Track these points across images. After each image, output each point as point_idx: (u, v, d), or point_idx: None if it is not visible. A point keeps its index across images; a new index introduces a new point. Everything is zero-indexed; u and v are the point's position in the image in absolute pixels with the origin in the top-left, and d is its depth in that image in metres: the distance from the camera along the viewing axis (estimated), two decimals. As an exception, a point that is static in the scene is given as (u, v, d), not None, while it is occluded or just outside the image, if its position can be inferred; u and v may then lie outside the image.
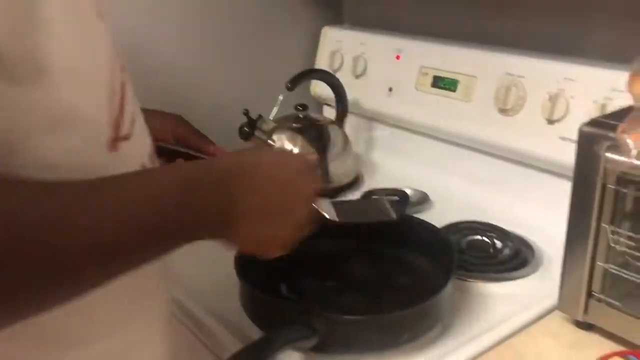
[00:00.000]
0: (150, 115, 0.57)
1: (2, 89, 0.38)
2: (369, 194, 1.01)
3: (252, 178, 0.50)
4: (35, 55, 0.39)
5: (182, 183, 0.45)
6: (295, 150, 1.05)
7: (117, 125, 0.47)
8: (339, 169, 1.07)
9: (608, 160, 0.54)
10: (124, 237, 0.39)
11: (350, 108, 1.15)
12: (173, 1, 1.10)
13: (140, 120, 0.53)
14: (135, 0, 1.05)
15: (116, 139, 0.46)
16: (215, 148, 0.76)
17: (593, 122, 0.60)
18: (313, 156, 0.57)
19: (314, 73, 1.18)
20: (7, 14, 0.37)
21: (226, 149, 0.75)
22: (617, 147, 0.54)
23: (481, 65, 0.98)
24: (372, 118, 1.19)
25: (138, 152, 0.50)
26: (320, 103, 1.29)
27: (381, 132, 1.19)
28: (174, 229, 0.43)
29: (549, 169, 0.89)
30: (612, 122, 0.57)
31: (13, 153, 0.39)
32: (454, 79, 1.02)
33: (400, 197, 0.96)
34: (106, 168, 0.43)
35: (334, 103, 1.15)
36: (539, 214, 0.87)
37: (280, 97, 1.06)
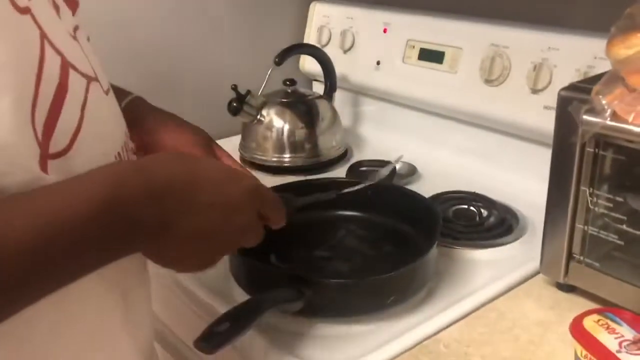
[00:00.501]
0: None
1: None
2: (356, 166, 1.03)
3: (186, 197, 0.45)
4: None
5: (106, 196, 0.40)
6: (286, 125, 1.06)
7: (45, 142, 0.41)
8: (327, 143, 1.08)
9: (585, 122, 0.56)
10: (31, 255, 0.36)
11: (338, 83, 1.15)
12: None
13: (92, 128, 0.46)
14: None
15: (45, 157, 0.41)
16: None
17: (571, 87, 0.61)
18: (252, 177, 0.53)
19: (302, 48, 1.19)
20: None
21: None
22: (594, 110, 0.55)
23: (467, 37, 0.99)
24: (361, 92, 1.20)
25: (84, 166, 0.43)
26: (309, 78, 1.30)
27: (369, 106, 1.20)
28: (92, 245, 0.39)
29: (534, 138, 0.91)
30: (590, 86, 0.58)
31: None
32: (440, 51, 1.02)
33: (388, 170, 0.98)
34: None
35: (322, 78, 1.16)
36: (524, 182, 0.89)
37: (269, 72, 1.07)
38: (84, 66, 0.47)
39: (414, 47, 1.07)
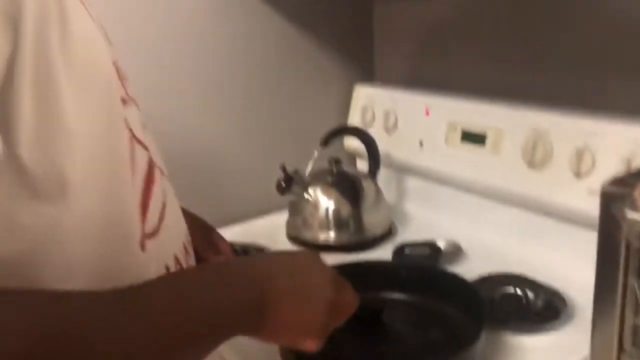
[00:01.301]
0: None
1: (27, 205, 0.38)
2: (401, 247, 1.04)
3: (286, 276, 0.53)
4: (59, 168, 0.40)
5: (257, 295, 0.48)
6: (331, 204, 1.09)
7: (141, 224, 0.47)
8: (372, 221, 1.11)
9: (629, 221, 0.57)
10: (153, 349, 0.40)
11: (382, 161, 1.19)
12: (207, 60, 1.17)
13: (171, 212, 0.54)
14: (168, 58, 1.12)
15: (143, 238, 0.47)
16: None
17: (615, 181, 0.63)
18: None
19: (346, 130, 1.23)
20: (33, 126, 0.38)
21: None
22: (638, 207, 0.56)
23: (508, 120, 1.02)
24: (404, 170, 1.23)
25: (168, 247, 0.52)
26: (353, 156, 1.34)
27: (413, 185, 1.22)
28: (206, 332, 0.44)
29: (579, 221, 0.91)
30: (634, 180, 0.59)
31: (33, 266, 0.40)
32: (482, 134, 1.05)
33: (433, 250, 0.99)
34: (134, 269, 0.46)
35: (366, 156, 1.20)
36: (571, 265, 0.89)
37: (316, 153, 1.11)
38: (158, 161, 0.55)
39: (456, 129, 1.10)
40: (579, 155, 0.90)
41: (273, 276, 0.52)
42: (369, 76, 1.37)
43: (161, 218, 0.51)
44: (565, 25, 1.00)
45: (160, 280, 0.46)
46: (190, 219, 0.68)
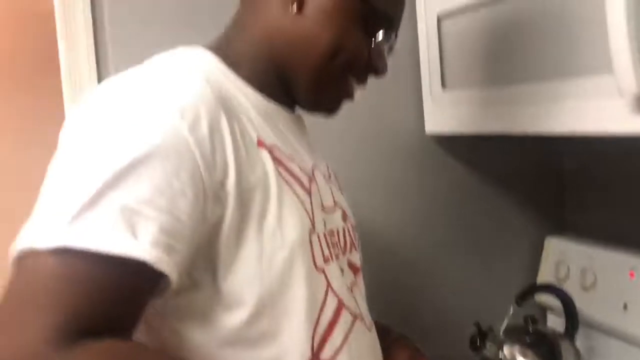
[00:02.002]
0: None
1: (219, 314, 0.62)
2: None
3: None
4: (237, 290, 0.62)
5: None
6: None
7: (318, 349, 0.65)
8: (572, 387, 1.05)
9: None
10: None
11: (579, 319, 1.14)
12: (414, 207, 1.24)
13: (356, 338, 0.70)
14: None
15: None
16: None
17: None
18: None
19: (544, 288, 1.21)
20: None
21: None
22: None
23: None
24: (605, 332, 1.16)
25: None
26: (544, 310, 1.30)
27: (616, 349, 1.15)
28: None
29: None
30: None
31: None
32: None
33: None
34: None
35: (558, 310, 1.16)
36: None
37: (511, 311, 1.10)
38: (353, 307, 0.72)
39: (667, 295, 1.04)
40: None
41: None
42: (560, 227, 1.35)
43: (341, 346, 0.68)
44: None
45: None
46: (398, 341, 0.86)
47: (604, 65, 0.75)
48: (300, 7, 0.70)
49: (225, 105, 0.64)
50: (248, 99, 0.69)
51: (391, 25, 0.76)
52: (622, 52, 0.71)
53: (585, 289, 1.18)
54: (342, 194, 0.84)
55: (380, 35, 0.74)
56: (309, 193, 0.71)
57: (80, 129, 0.59)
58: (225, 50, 0.72)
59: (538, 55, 0.92)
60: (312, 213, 0.70)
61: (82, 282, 0.52)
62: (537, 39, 0.92)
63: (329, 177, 0.81)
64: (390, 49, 0.77)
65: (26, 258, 0.53)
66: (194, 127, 0.58)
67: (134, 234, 0.53)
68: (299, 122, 0.80)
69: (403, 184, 1.23)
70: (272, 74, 0.73)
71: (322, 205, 0.74)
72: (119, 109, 0.59)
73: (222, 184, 0.60)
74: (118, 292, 0.53)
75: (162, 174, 0.55)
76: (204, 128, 0.59)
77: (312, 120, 0.82)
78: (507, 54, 0.98)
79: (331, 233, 0.74)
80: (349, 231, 0.79)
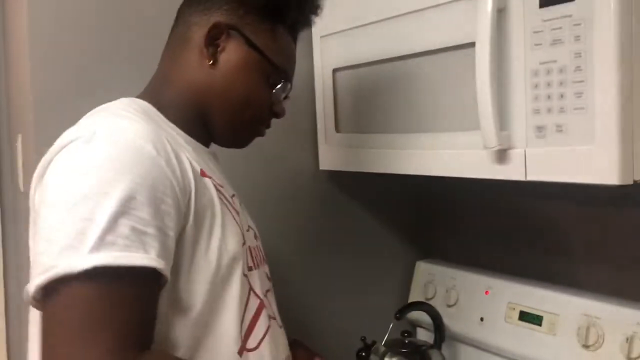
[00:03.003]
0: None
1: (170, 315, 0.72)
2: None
3: None
4: (192, 291, 0.74)
5: None
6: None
7: (245, 339, 0.79)
8: (440, 390, 1.24)
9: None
10: None
11: (445, 332, 1.34)
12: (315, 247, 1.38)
13: (274, 335, 0.86)
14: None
15: (242, 350, 0.78)
16: None
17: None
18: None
19: (418, 305, 1.40)
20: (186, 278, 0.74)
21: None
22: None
23: (563, 305, 1.18)
24: (466, 342, 1.37)
25: (269, 357, 0.83)
26: (415, 325, 1.49)
27: (475, 356, 1.36)
28: None
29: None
30: None
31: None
32: (539, 315, 1.21)
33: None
34: None
35: (427, 325, 1.35)
36: None
37: (391, 326, 1.27)
38: (269, 309, 0.88)
39: (514, 309, 1.26)
40: (630, 342, 1.05)
41: None
42: (430, 253, 1.55)
43: (262, 338, 0.83)
44: (613, 234, 1.20)
45: None
46: (295, 341, 1.02)
47: (473, 124, 0.95)
48: (214, 63, 0.85)
49: (174, 139, 0.78)
50: (182, 138, 0.83)
51: (287, 77, 0.92)
52: (487, 117, 0.91)
53: (449, 305, 1.39)
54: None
55: (279, 86, 0.90)
56: (238, 214, 0.87)
57: (74, 170, 0.68)
58: (155, 98, 0.85)
59: (418, 110, 1.10)
60: (242, 230, 0.85)
61: (118, 295, 0.63)
62: (417, 97, 1.10)
63: (240, 204, 0.94)
64: (287, 96, 0.93)
65: (59, 288, 0.62)
66: (168, 161, 0.72)
67: (145, 249, 0.65)
68: (215, 157, 0.94)
69: (298, 212, 1.36)
70: (193, 118, 0.86)
71: (243, 225, 0.88)
72: (106, 150, 0.69)
73: (188, 204, 0.74)
74: (143, 296, 0.66)
75: (153, 200, 0.67)
76: (173, 160, 0.73)
77: (225, 155, 0.96)
78: (392, 106, 1.16)
79: (252, 248, 0.89)
80: (260, 248, 0.94)
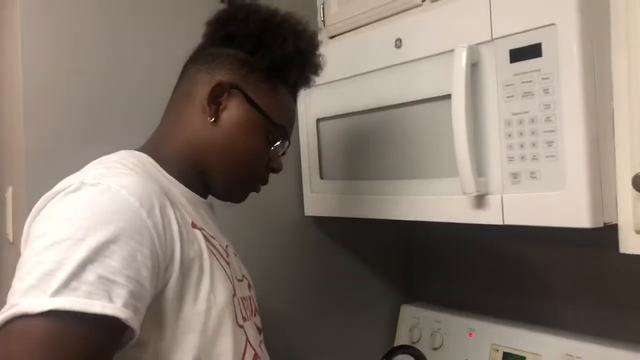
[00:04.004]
0: None
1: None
2: None
3: None
4: (180, 342, 0.75)
5: None
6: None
7: None
8: None
9: None
10: None
11: (431, 376, 1.35)
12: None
13: None
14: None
15: None
16: None
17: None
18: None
19: (405, 348, 1.41)
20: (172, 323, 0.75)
21: None
22: None
23: (545, 345, 1.21)
24: (451, 386, 1.39)
25: None
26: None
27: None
28: None
29: None
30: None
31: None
32: (522, 356, 1.24)
33: None
34: None
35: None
36: None
37: (377, 369, 1.29)
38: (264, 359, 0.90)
39: (497, 350, 1.29)
40: (610, 380, 1.08)
41: None
42: (414, 297, 1.58)
43: None
44: (591, 274, 1.24)
45: None
46: None
47: (453, 171, 0.99)
48: (215, 120, 0.87)
49: (166, 195, 0.79)
50: (178, 190, 0.85)
51: (287, 135, 0.94)
52: (464, 165, 0.95)
53: (434, 349, 1.41)
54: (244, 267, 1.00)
55: (278, 143, 0.92)
56: (228, 265, 0.87)
57: (58, 216, 0.70)
58: (156, 152, 0.87)
59: (399, 158, 1.15)
60: (233, 281, 0.86)
61: (71, 339, 0.62)
62: (399, 145, 1.15)
63: (234, 253, 0.96)
64: (284, 153, 0.95)
65: (17, 323, 0.62)
66: (150, 212, 0.73)
67: (110, 298, 0.65)
68: (211, 208, 0.96)
69: (285, 257, 1.39)
70: (192, 172, 0.89)
71: (235, 276, 0.89)
72: (91, 199, 0.71)
73: (171, 257, 0.75)
74: (98, 343, 0.65)
75: (129, 250, 0.68)
76: (157, 213, 0.74)
77: (217, 205, 0.97)
78: (374, 154, 1.20)
79: (243, 299, 0.89)
80: (253, 299, 0.96)
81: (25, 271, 0.66)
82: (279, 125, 0.91)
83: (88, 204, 0.70)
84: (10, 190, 1.23)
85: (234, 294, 0.85)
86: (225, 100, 0.87)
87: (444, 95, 1.01)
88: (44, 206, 0.73)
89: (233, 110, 0.87)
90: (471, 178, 0.95)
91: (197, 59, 0.92)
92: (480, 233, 1.25)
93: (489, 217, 0.98)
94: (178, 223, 0.77)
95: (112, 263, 0.67)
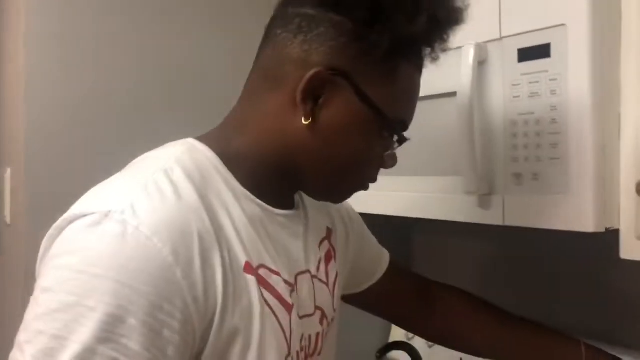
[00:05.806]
0: None
1: None
2: None
3: None
4: None
5: None
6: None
7: None
8: None
9: None
10: None
11: (424, 374, 1.35)
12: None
13: None
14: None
15: None
16: None
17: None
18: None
19: (399, 345, 1.41)
20: None
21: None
22: None
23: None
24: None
25: None
26: (395, 364, 1.50)
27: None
28: None
29: None
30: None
31: None
32: None
33: None
34: None
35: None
36: None
37: (372, 364, 1.28)
38: None
39: (492, 350, 1.28)
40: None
41: None
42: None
43: None
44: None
45: None
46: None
47: (455, 169, 0.98)
48: (313, 119, 0.65)
49: (216, 224, 0.61)
50: (239, 203, 0.66)
51: (405, 127, 0.72)
52: (468, 163, 0.95)
53: (429, 346, 1.41)
54: (344, 261, 0.89)
55: (394, 139, 0.71)
56: (290, 310, 0.69)
57: (67, 264, 0.55)
58: (224, 148, 0.68)
59: (404, 154, 1.14)
60: (290, 337, 0.68)
61: None
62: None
63: (314, 275, 0.76)
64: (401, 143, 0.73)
65: None
66: (187, 270, 0.56)
67: None
68: (294, 219, 0.74)
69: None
70: (271, 176, 0.69)
71: (299, 315, 0.71)
72: (111, 246, 0.55)
73: (210, 323, 0.59)
74: None
75: (153, 326, 0.54)
76: (196, 269, 0.57)
77: None
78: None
79: (303, 338, 0.72)
80: (321, 335, 0.77)
81: (25, 337, 0.54)
82: (395, 119, 0.69)
83: (105, 254, 0.54)
84: (9, 171, 1.22)
85: (288, 354, 0.68)
86: (327, 94, 0.65)
87: (450, 93, 1.00)
88: (59, 234, 0.58)
89: (336, 108, 0.65)
90: (474, 177, 0.95)
91: (286, 19, 0.66)
92: (480, 233, 1.25)
93: (489, 217, 0.97)
94: (224, 272, 0.60)
95: (131, 345, 0.52)
